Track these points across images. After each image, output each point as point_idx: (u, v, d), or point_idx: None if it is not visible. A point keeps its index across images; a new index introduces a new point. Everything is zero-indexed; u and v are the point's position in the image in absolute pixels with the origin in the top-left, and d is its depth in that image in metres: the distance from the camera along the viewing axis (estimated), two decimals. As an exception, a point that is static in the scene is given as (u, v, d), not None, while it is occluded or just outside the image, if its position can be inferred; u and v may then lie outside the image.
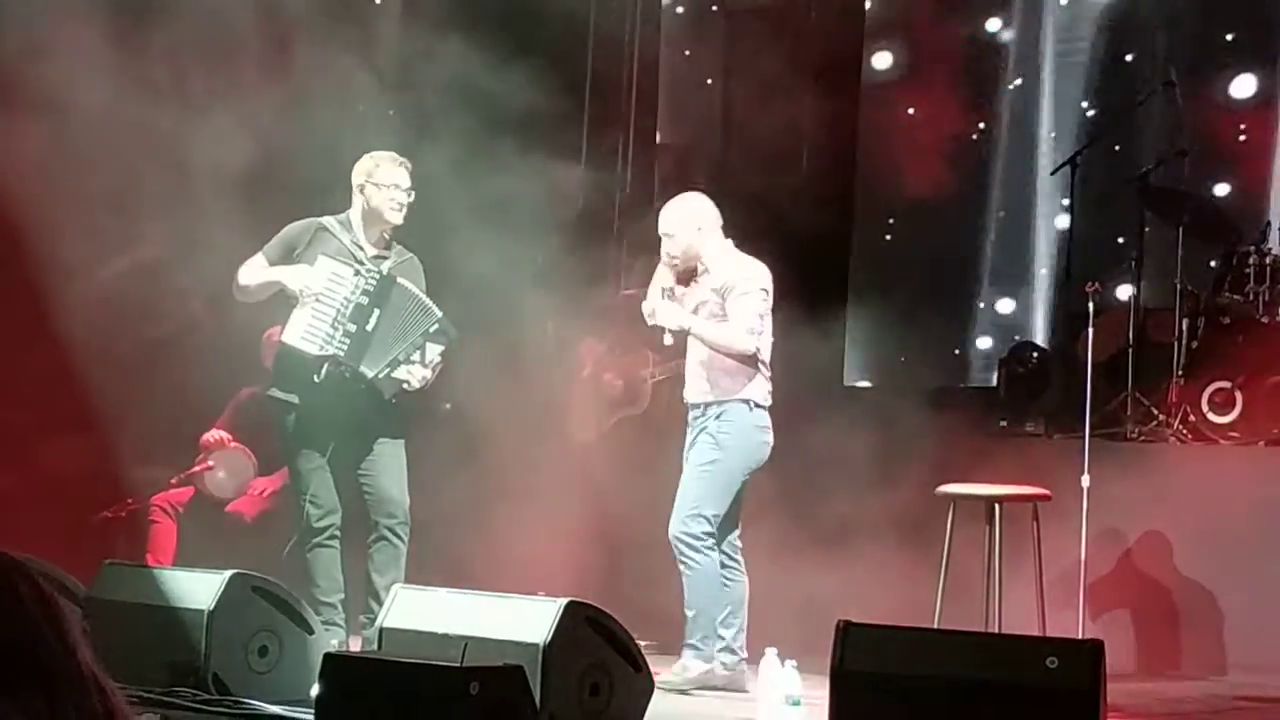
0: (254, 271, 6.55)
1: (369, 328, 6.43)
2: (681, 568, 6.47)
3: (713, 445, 6.47)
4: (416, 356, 6.49)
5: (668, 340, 6.63)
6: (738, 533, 6.59)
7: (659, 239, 10.52)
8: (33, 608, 1.65)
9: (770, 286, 6.52)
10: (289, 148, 8.37)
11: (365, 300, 6.44)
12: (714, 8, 11.47)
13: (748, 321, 6.43)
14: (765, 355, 6.51)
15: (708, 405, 6.52)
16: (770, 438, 6.51)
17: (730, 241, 6.64)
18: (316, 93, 8.79)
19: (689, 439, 6.62)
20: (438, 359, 6.56)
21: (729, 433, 6.46)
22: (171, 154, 7.98)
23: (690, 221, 6.55)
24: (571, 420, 8.60)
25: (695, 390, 6.59)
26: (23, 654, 1.62)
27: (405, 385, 6.49)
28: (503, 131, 11.26)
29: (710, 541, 6.43)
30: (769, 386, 6.53)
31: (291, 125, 8.36)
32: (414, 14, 11.97)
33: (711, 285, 6.52)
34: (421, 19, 11.92)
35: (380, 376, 6.44)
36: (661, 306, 6.55)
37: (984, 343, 10.07)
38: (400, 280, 6.50)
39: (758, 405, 6.47)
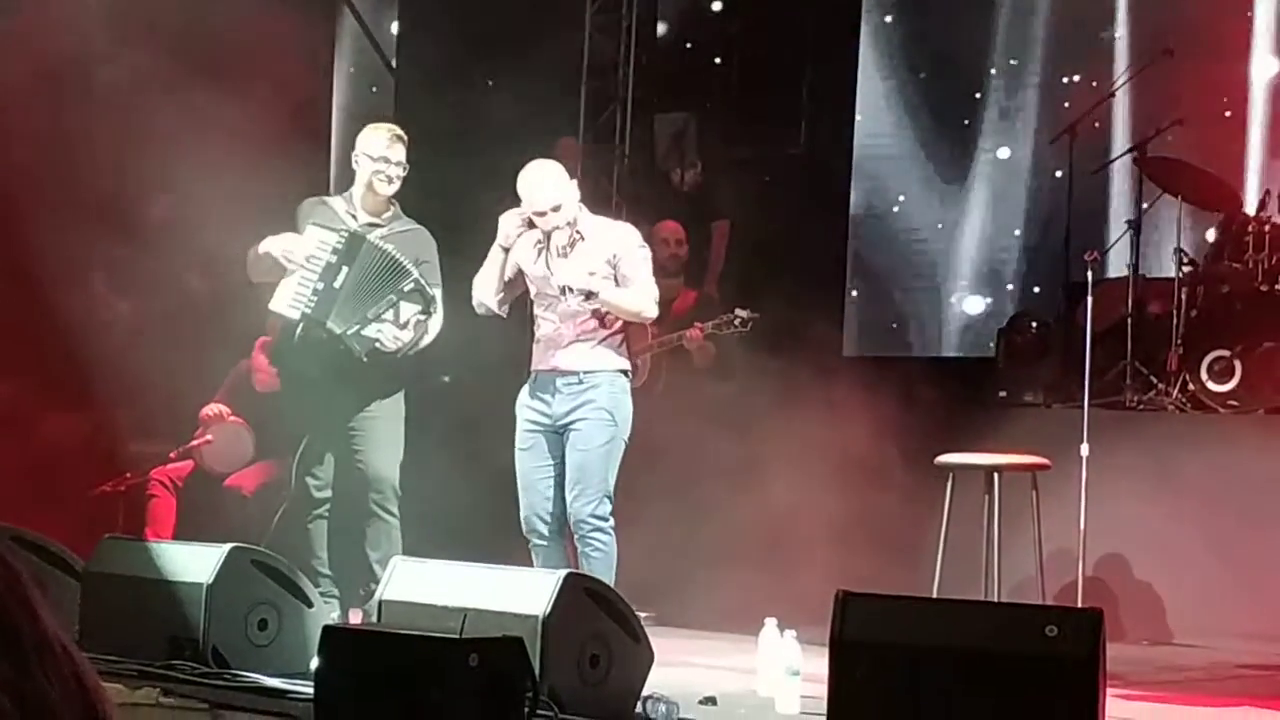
0: (253, 248, 6.58)
1: (336, 285, 6.43)
2: (589, 550, 6.30)
3: (608, 421, 6.29)
4: (390, 315, 6.47)
5: (569, 301, 6.35)
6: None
7: (655, 212, 10.54)
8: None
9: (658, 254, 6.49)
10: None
11: (334, 259, 6.45)
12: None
13: (651, 287, 6.32)
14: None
15: (588, 373, 6.31)
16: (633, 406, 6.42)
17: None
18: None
19: (559, 408, 6.34)
20: (416, 318, 6.52)
21: (620, 405, 6.33)
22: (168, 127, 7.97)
23: (571, 188, 6.39)
24: None
25: (574, 359, 6.32)
26: None
27: (378, 344, 6.45)
28: (499, 105, 11.26)
29: (613, 520, 6.33)
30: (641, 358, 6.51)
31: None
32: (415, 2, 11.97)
33: (601, 252, 6.31)
34: (421, 4, 11.93)
35: (349, 334, 6.43)
36: (565, 265, 6.32)
37: (982, 312, 10.06)
38: (370, 239, 6.48)
39: (628, 375, 6.41)
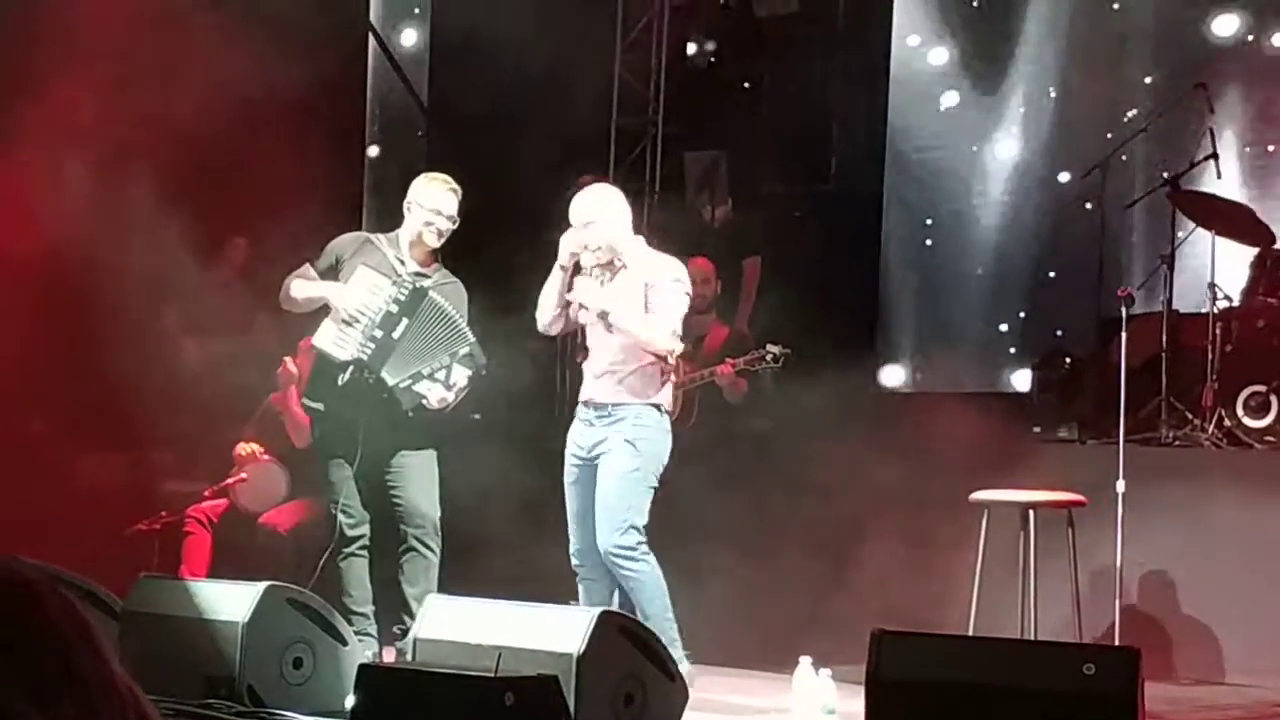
0: (297, 284, 6.58)
1: (395, 335, 6.44)
2: (623, 581, 6.28)
3: (632, 452, 6.25)
4: (441, 375, 6.48)
5: (584, 319, 6.38)
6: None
7: (686, 249, 10.54)
8: (61, 619, 1.66)
9: (691, 291, 6.41)
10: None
11: (395, 309, 6.46)
12: (744, 15, 11.44)
13: (673, 321, 6.27)
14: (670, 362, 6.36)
15: (615, 405, 6.29)
16: (670, 441, 6.37)
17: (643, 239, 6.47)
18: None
19: (589, 440, 6.35)
20: (464, 383, 6.54)
21: (646, 438, 6.27)
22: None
23: (612, 211, 6.35)
24: None
25: (602, 390, 6.34)
26: (53, 664, 1.63)
27: (424, 401, 6.47)
28: (530, 142, 11.31)
29: (645, 547, 6.25)
30: (670, 391, 6.42)
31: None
32: (443, 39, 12.04)
33: (635, 280, 6.30)
34: (451, 41, 11.99)
35: (400, 386, 6.44)
36: (583, 283, 6.33)
37: (1017, 348, 10.03)
38: (432, 294, 6.51)
39: (665, 411, 6.33)
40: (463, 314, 6.61)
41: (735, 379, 8.21)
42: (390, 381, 6.43)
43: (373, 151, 11.98)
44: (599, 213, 6.32)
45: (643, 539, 6.26)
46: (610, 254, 6.32)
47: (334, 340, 6.47)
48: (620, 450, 6.25)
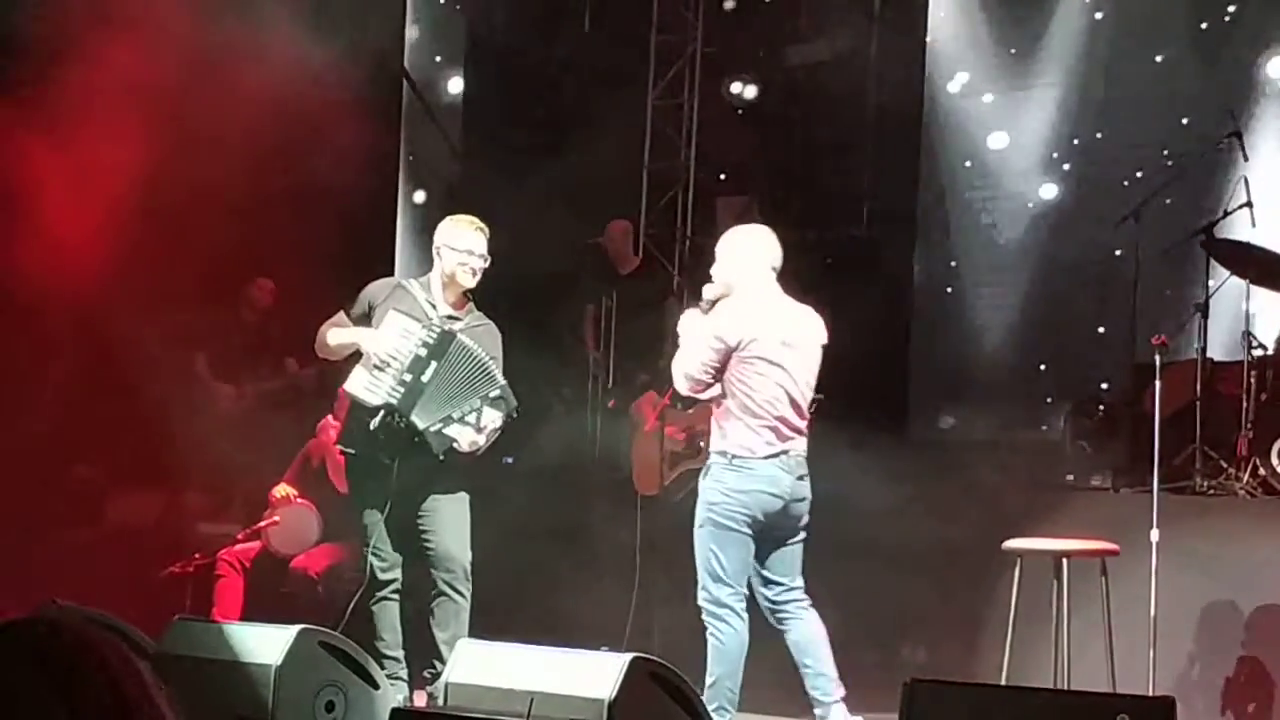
0: (331, 330, 6.61)
1: (424, 379, 6.45)
2: (708, 634, 6.23)
3: (704, 504, 6.21)
4: (472, 418, 6.48)
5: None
6: (782, 588, 6.27)
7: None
8: (120, 672, 1.72)
9: (734, 337, 6.12)
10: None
11: (424, 352, 6.47)
12: (776, 61, 11.49)
13: (686, 363, 6.21)
14: (755, 406, 6.13)
15: (709, 454, 6.30)
16: (751, 487, 6.11)
17: (769, 286, 6.32)
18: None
19: None
20: (496, 426, 6.54)
21: (709, 489, 6.21)
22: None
23: (732, 250, 6.33)
24: (635, 474, 8.60)
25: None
26: (114, 714, 1.68)
27: (454, 444, 6.48)
28: (565, 187, 11.36)
29: (732, 608, 6.12)
30: (758, 437, 6.13)
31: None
32: (478, 86, 12.12)
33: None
34: (484, 87, 12.07)
35: (431, 430, 6.45)
36: (688, 313, 6.39)
37: (1050, 395, 10.01)
38: (460, 337, 6.51)
39: (736, 457, 6.15)
40: (496, 356, 6.62)
41: None
42: (420, 426, 6.44)
43: (418, 197, 12.04)
44: (719, 249, 6.37)
45: (714, 596, 6.14)
46: (722, 289, 6.31)
47: (365, 386, 6.49)
48: (700, 502, 6.25)
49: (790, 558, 6.29)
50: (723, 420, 6.22)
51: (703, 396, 6.35)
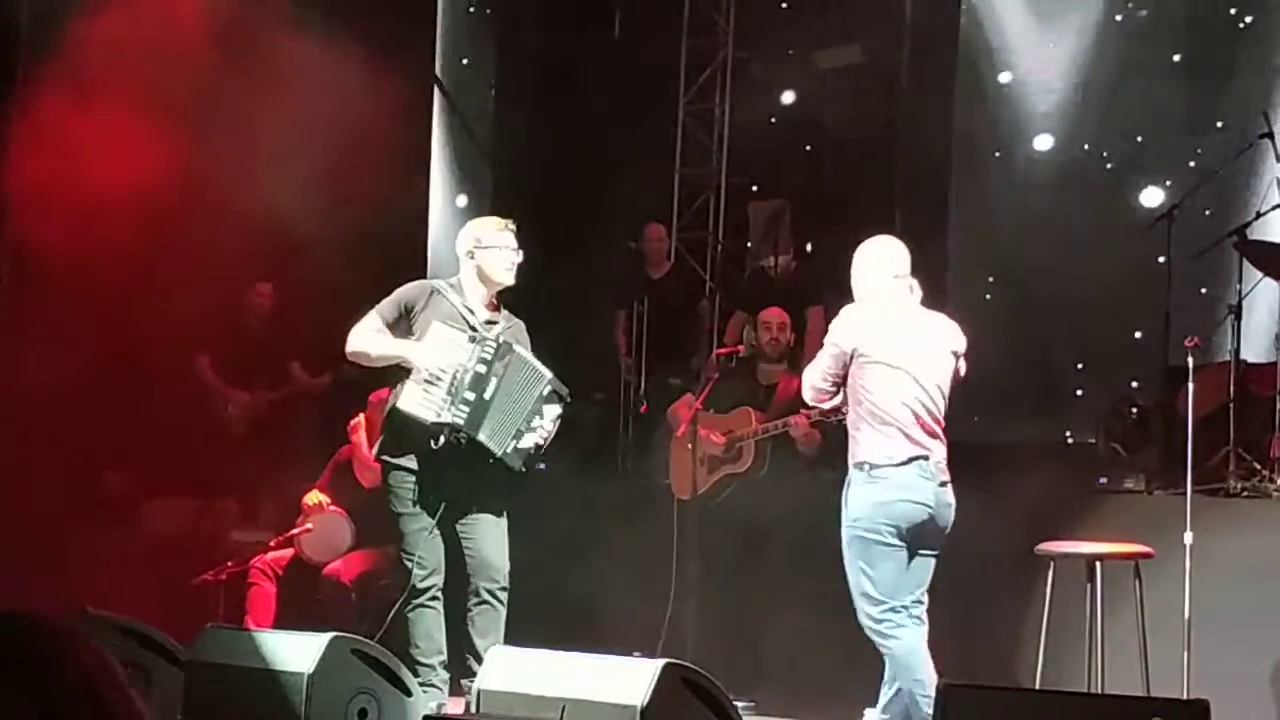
0: (372, 339, 6.52)
1: (486, 396, 6.42)
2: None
3: (846, 521, 6.14)
4: (537, 422, 6.50)
5: None
6: (913, 596, 6.15)
7: (749, 295, 10.56)
8: (93, 668, 1.74)
9: (848, 344, 6.14)
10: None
11: (483, 369, 6.42)
12: (808, 65, 11.47)
13: (810, 373, 6.26)
14: (881, 412, 6.10)
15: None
16: (891, 497, 6.06)
17: (894, 294, 6.28)
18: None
19: None
20: (556, 416, 6.56)
21: (851, 503, 6.15)
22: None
23: (856, 263, 6.37)
24: (671, 478, 8.58)
25: None
26: (89, 710, 1.70)
27: (533, 452, 6.51)
28: (598, 192, 11.36)
29: (892, 621, 6.03)
30: (890, 442, 6.07)
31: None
32: (509, 92, 12.13)
33: None
34: (516, 93, 12.09)
35: (509, 451, 6.45)
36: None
37: (1083, 398, 9.98)
38: (516, 348, 6.51)
39: (874, 467, 6.10)
40: (528, 349, 6.64)
41: (810, 430, 8.18)
42: (498, 450, 6.42)
43: (460, 201, 12.06)
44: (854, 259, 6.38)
45: (871, 616, 6.07)
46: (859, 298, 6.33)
47: (419, 403, 6.43)
48: (844, 519, 6.17)
49: (922, 570, 6.20)
50: (854, 430, 6.21)
51: (825, 406, 6.34)
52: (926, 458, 6.10)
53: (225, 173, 7.83)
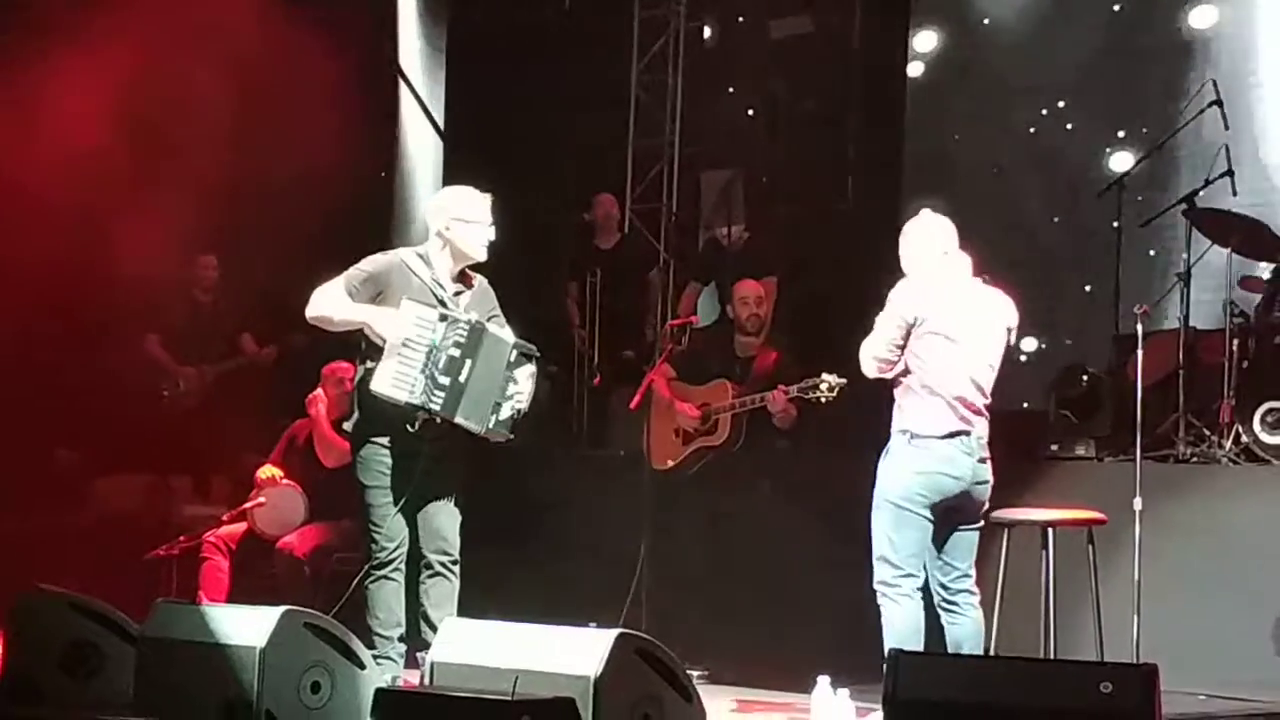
0: (337, 304, 6.41)
1: (462, 379, 6.33)
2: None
3: (879, 485, 6.15)
4: (512, 389, 6.44)
5: None
6: (958, 573, 6.20)
7: (702, 266, 10.56)
8: None
9: (911, 313, 6.13)
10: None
11: (456, 353, 6.34)
12: (760, 34, 11.47)
13: (873, 344, 6.21)
14: (931, 382, 6.10)
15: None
16: (929, 468, 6.06)
17: (945, 268, 6.27)
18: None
19: None
20: (530, 375, 6.50)
21: (887, 469, 6.15)
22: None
23: (904, 241, 6.36)
24: (648, 447, 8.51)
25: None
26: None
27: (515, 417, 6.46)
28: (549, 163, 11.34)
29: (902, 587, 6.06)
30: (937, 414, 6.09)
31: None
32: (461, 61, 12.09)
33: None
34: (467, 63, 12.04)
35: (490, 427, 6.40)
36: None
37: (1032, 367, 10.01)
38: (489, 327, 6.43)
39: (916, 436, 6.10)
40: (497, 311, 6.58)
41: (787, 405, 8.18)
42: (479, 429, 6.37)
43: (410, 175, 12.00)
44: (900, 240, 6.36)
45: (882, 577, 6.09)
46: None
47: (392, 382, 6.35)
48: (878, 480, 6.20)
49: (967, 544, 6.22)
50: (902, 398, 6.19)
51: (888, 375, 6.26)
52: (969, 433, 6.13)
53: (170, 143, 7.78)
